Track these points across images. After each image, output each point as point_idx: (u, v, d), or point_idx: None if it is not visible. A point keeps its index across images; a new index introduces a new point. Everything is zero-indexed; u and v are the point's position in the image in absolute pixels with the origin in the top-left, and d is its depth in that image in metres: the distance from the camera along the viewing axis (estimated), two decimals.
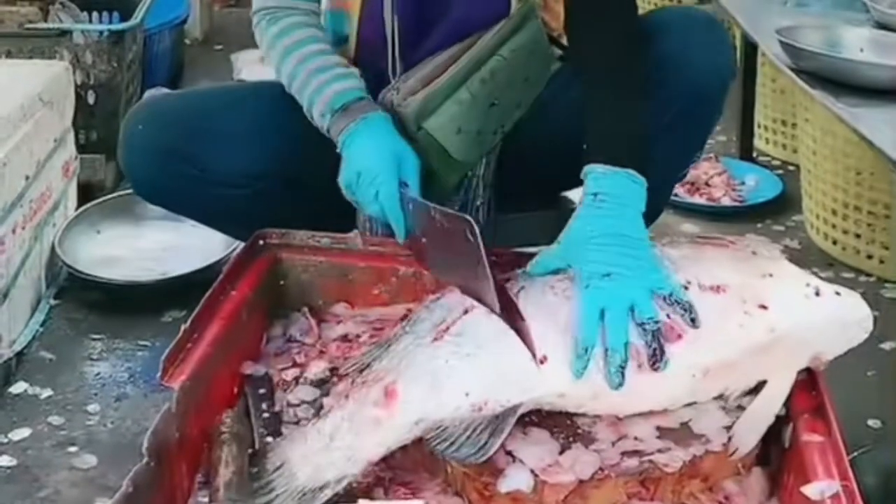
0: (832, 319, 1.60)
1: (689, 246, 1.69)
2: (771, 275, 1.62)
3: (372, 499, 1.48)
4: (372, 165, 1.79)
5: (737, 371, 1.56)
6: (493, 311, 1.52)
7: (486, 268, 1.49)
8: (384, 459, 1.54)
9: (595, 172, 1.71)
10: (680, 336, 1.55)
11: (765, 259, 1.67)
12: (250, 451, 1.59)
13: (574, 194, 2.23)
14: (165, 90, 3.35)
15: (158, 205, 2.16)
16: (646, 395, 1.55)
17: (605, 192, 1.69)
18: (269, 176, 1.97)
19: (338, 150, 1.86)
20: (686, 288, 1.59)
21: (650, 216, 2.06)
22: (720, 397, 1.57)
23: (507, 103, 1.97)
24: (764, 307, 1.57)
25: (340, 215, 1.98)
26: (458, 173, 1.99)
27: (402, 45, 1.97)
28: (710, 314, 1.57)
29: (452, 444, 1.48)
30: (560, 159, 1.87)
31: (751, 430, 1.52)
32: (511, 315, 1.53)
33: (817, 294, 1.60)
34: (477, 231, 1.49)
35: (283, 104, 1.97)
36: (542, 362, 1.52)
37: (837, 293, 1.62)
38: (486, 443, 1.47)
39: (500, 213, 2.09)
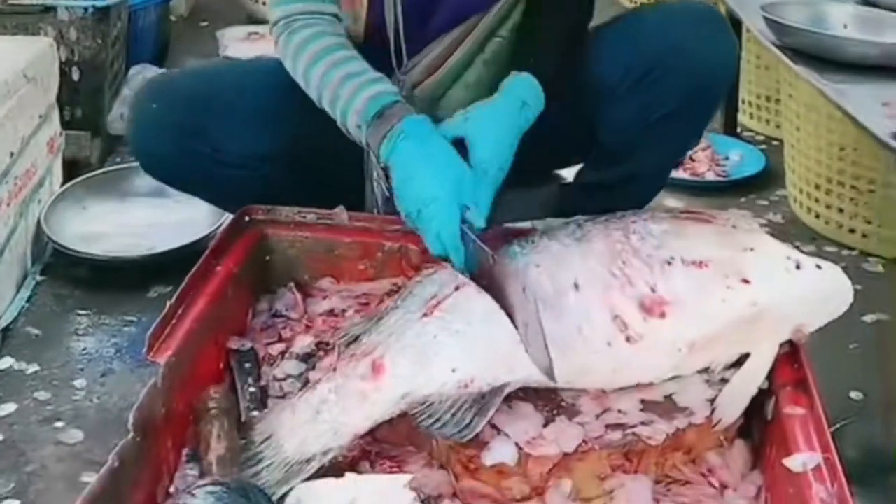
0: (813, 292, 1.61)
1: (671, 221, 1.70)
2: (752, 249, 1.63)
3: (358, 472, 1.49)
4: (433, 196, 1.65)
5: (721, 345, 1.57)
6: (547, 376, 1.50)
7: (539, 324, 1.49)
8: (370, 433, 1.55)
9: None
10: (664, 313, 1.56)
11: (746, 233, 1.68)
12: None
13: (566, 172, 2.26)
14: (151, 67, 3.35)
15: (167, 183, 2.15)
16: (631, 370, 1.56)
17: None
18: (282, 155, 1.97)
19: (381, 164, 1.77)
20: (669, 263, 1.60)
21: (641, 203, 2.08)
22: (705, 370, 1.58)
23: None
24: (746, 281, 1.58)
25: (351, 192, 1.99)
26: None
27: (405, 33, 1.95)
28: (693, 289, 1.58)
29: (438, 420, 1.49)
30: (556, 139, 1.90)
31: (734, 403, 1.53)
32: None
33: (798, 267, 1.61)
34: (529, 290, 1.50)
35: (294, 92, 1.97)
36: None
37: (818, 266, 1.63)
38: (470, 422, 1.47)
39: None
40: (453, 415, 1.48)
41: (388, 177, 1.76)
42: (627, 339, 1.55)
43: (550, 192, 2.24)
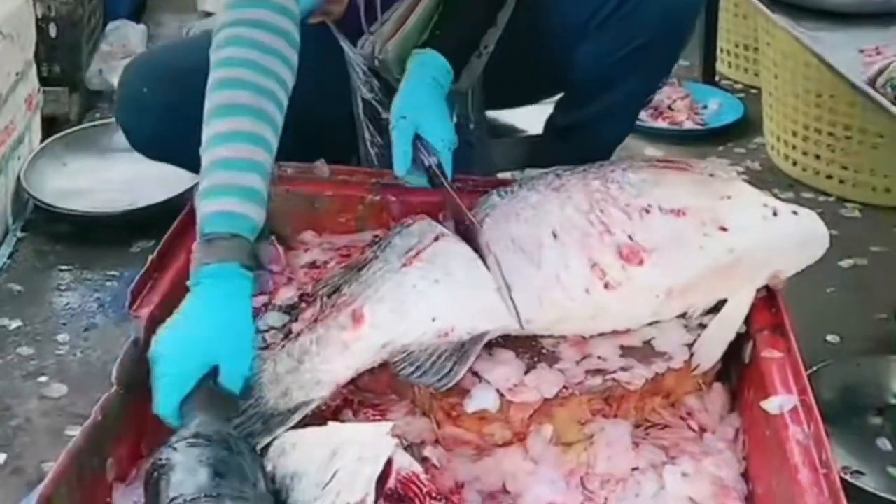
0: (790, 238, 1.62)
1: (649, 169, 1.71)
2: (729, 197, 1.64)
3: (341, 421, 1.50)
4: (170, 355, 1.44)
5: (699, 291, 1.59)
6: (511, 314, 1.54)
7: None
8: (352, 382, 1.55)
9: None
10: (642, 261, 1.57)
11: (722, 181, 1.69)
12: None
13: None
14: (129, 22, 3.33)
15: (161, 160, 2.14)
16: (609, 316, 1.58)
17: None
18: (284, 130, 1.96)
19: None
20: (647, 212, 1.61)
21: (616, 140, 2.09)
22: (682, 316, 1.60)
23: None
24: (724, 229, 1.59)
25: (339, 156, 1.99)
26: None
27: None
28: (672, 237, 1.59)
29: (418, 368, 1.49)
30: (526, 80, 1.96)
31: (711, 348, 1.55)
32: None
33: (775, 214, 1.63)
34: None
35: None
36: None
37: (794, 212, 1.65)
38: (450, 370, 1.48)
39: (491, 136, 2.11)
40: (433, 363, 1.49)
41: (382, 133, 1.78)
42: (606, 286, 1.56)
43: (544, 138, 2.25)
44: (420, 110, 1.79)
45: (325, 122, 1.95)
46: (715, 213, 1.61)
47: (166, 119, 1.94)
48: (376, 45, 1.94)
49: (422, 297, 1.55)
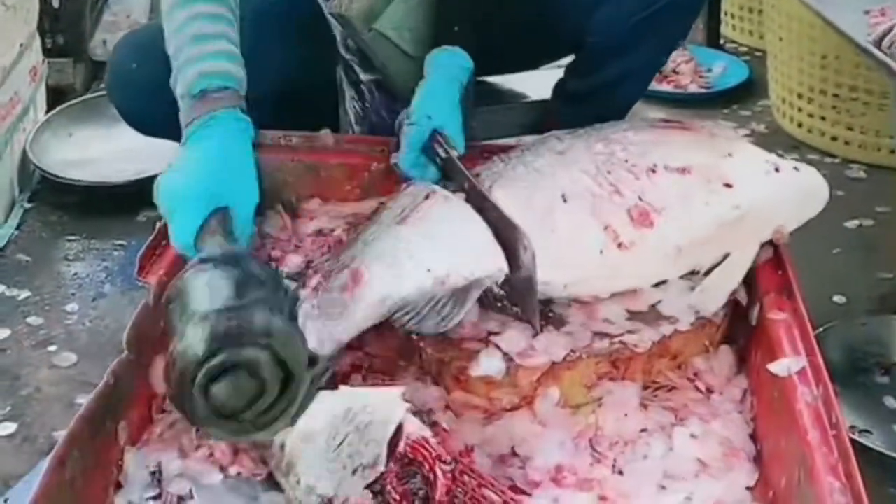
0: (792, 193, 1.64)
1: (650, 130, 1.71)
2: (731, 154, 1.65)
3: (351, 386, 1.51)
4: (184, 197, 1.51)
5: (706, 248, 1.59)
6: (533, 327, 1.53)
7: (535, 283, 1.51)
8: (360, 348, 1.57)
9: None
10: (652, 222, 1.57)
11: (724, 139, 1.70)
12: None
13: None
14: None
15: (155, 136, 2.14)
16: (624, 276, 1.58)
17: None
18: (260, 99, 1.95)
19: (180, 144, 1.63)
20: (654, 171, 1.61)
21: (629, 103, 2.09)
22: (691, 274, 1.60)
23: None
24: (728, 185, 1.60)
25: (326, 119, 1.99)
26: (416, 70, 1.98)
27: None
28: (678, 195, 1.60)
29: (417, 314, 1.50)
30: (527, 37, 1.97)
31: (713, 295, 1.56)
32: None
33: (777, 170, 1.64)
34: (531, 244, 1.50)
35: (269, 26, 1.96)
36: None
37: (796, 168, 1.66)
38: (448, 314, 1.49)
39: (481, 105, 2.10)
40: (431, 308, 1.49)
41: (361, 96, 1.76)
42: (619, 247, 1.56)
43: (535, 106, 2.25)
44: (444, 114, 1.76)
45: (310, 87, 1.94)
46: (719, 171, 1.62)
47: (155, 95, 1.93)
48: (342, 2, 1.91)
49: (416, 250, 1.55)
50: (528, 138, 1.92)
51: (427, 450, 1.29)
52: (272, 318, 1.20)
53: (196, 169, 1.53)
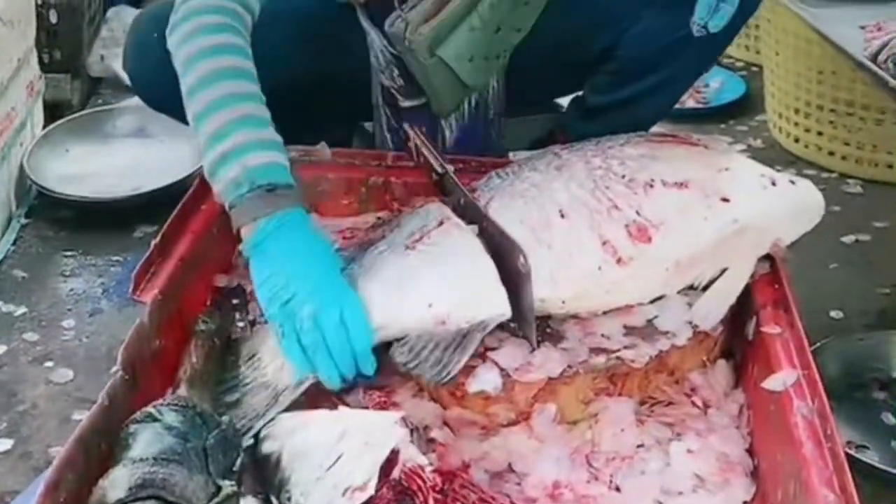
0: (789, 206, 1.64)
1: (647, 144, 1.71)
2: (728, 168, 1.65)
3: (347, 403, 1.51)
4: (295, 292, 1.48)
5: (705, 262, 1.59)
6: (530, 343, 1.53)
7: (532, 300, 1.51)
8: None
9: None
10: (650, 238, 1.57)
11: (719, 153, 1.71)
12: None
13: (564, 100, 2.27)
14: (128, 8, 3.32)
15: (165, 111, 2.13)
16: (623, 291, 1.58)
17: None
18: (277, 88, 1.95)
19: (242, 250, 1.57)
20: (651, 186, 1.61)
21: (645, 124, 2.09)
22: (690, 288, 1.60)
23: (509, 27, 1.97)
24: (726, 200, 1.60)
25: (340, 125, 1.99)
26: (462, 97, 2.02)
27: None
28: (676, 210, 1.59)
29: (416, 357, 1.49)
30: (555, 73, 1.99)
31: (712, 310, 1.56)
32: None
33: (773, 184, 1.64)
34: (528, 260, 1.50)
35: (292, 16, 1.96)
36: None
37: (792, 182, 1.67)
38: (448, 360, 1.47)
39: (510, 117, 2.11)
40: (431, 353, 1.48)
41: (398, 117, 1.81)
42: (618, 262, 1.56)
43: (549, 120, 2.25)
44: None
45: (332, 92, 1.94)
46: (716, 185, 1.62)
47: (171, 68, 1.94)
48: (409, 26, 1.90)
49: (420, 281, 1.55)
50: (524, 153, 1.92)
51: (422, 479, 1.28)
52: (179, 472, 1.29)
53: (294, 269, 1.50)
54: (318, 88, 1.97)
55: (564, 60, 2.02)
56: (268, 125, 1.60)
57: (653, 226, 1.58)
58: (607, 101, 2.10)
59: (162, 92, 1.99)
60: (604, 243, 1.57)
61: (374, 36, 1.98)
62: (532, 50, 2.00)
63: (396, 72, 1.99)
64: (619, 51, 2.02)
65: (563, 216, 1.61)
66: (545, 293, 1.54)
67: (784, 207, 1.64)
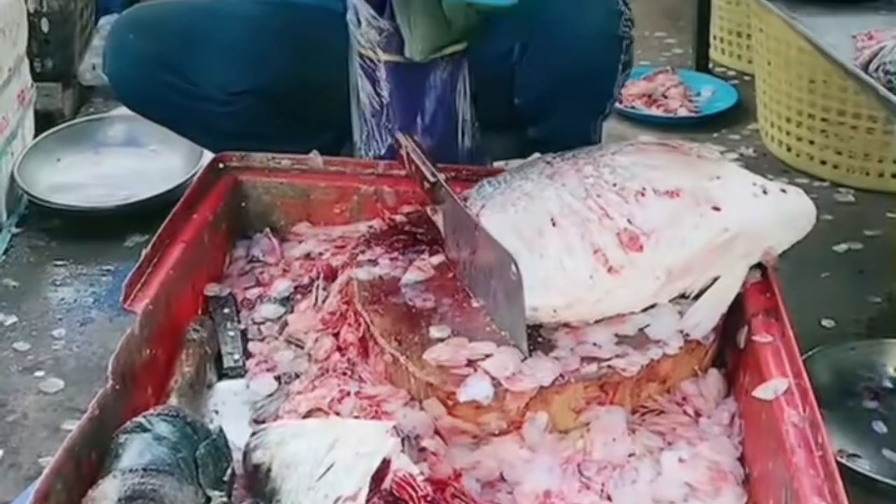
0: (780, 215, 1.64)
1: (638, 152, 1.71)
2: (718, 177, 1.65)
3: (337, 413, 1.50)
4: None
5: (696, 271, 1.59)
6: (522, 352, 1.53)
7: (524, 308, 1.50)
8: (350, 374, 1.57)
9: None
10: (641, 246, 1.57)
11: (710, 161, 1.71)
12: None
13: None
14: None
15: (142, 113, 2.14)
16: (614, 300, 1.57)
17: None
18: (259, 91, 1.95)
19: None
20: (642, 194, 1.61)
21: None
22: (681, 297, 1.60)
23: None
24: (717, 208, 1.60)
25: (327, 130, 1.99)
26: (438, 35, 1.96)
27: None
28: (667, 218, 1.59)
29: None
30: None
31: (703, 318, 1.56)
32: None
33: (765, 192, 1.64)
34: (519, 269, 1.49)
35: (273, 21, 1.96)
36: None
37: (783, 190, 1.67)
38: None
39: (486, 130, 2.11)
40: None
41: (376, 86, 1.84)
42: (609, 271, 1.56)
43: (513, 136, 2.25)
44: None
45: (312, 98, 1.95)
46: (707, 194, 1.62)
47: (148, 69, 1.95)
48: None
49: None
50: (516, 162, 1.92)
51: (413, 488, 1.27)
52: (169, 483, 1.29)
53: None
54: (302, 93, 1.96)
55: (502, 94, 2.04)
56: None
57: (644, 234, 1.58)
58: (532, 136, 2.13)
59: (139, 92, 2.01)
60: (595, 251, 1.57)
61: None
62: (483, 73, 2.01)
63: (377, 33, 1.96)
64: (515, 97, 2.05)
65: (554, 224, 1.61)
66: (537, 302, 1.53)
67: (775, 216, 1.64)
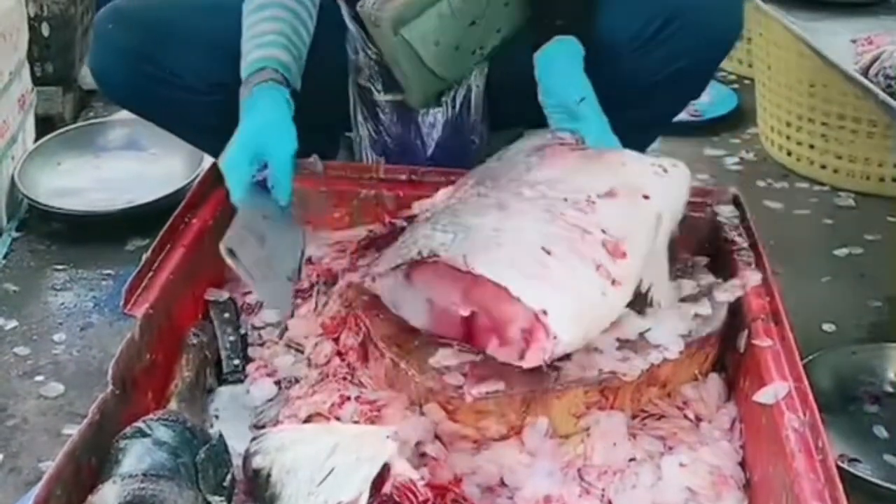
0: (679, 188, 1.69)
1: (549, 163, 1.71)
2: (624, 164, 1.67)
3: (338, 417, 1.50)
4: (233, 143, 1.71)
5: (647, 262, 1.58)
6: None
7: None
8: (350, 378, 1.57)
9: None
10: (624, 252, 1.55)
11: (608, 152, 1.72)
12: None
13: None
14: None
15: (124, 105, 2.14)
16: (617, 311, 1.54)
17: None
18: (235, 87, 1.93)
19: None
20: (592, 202, 1.58)
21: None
22: (637, 294, 1.58)
23: (487, 24, 1.94)
24: (647, 196, 1.62)
25: (316, 131, 1.98)
26: (435, 87, 1.98)
27: None
28: (621, 219, 1.58)
29: None
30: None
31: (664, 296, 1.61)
32: None
33: (665, 171, 1.67)
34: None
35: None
36: None
37: (674, 165, 1.70)
38: None
39: (493, 131, 2.09)
40: None
41: (376, 117, 1.85)
42: (613, 283, 1.53)
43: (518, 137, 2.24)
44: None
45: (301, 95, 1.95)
46: (632, 185, 1.62)
47: (128, 59, 1.95)
48: (376, 2, 1.88)
49: None
50: (428, 201, 1.85)
51: (413, 493, 1.27)
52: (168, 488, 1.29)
53: (238, 135, 1.70)
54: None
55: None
56: (265, 34, 1.82)
57: (619, 239, 1.55)
58: None
59: (121, 83, 2.01)
60: (597, 268, 1.52)
61: (353, 31, 1.97)
62: (515, 73, 1.99)
63: (375, 67, 1.98)
64: (605, 90, 2.00)
65: (549, 253, 1.52)
66: (572, 337, 1.47)
67: (677, 190, 1.68)
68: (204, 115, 1.99)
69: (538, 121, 2.10)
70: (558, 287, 1.49)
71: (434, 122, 2.01)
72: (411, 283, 1.60)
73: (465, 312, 1.55)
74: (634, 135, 2.01)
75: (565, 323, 1.45)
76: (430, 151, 2.03)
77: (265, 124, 1.71)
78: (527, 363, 1.48)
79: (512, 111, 2.02)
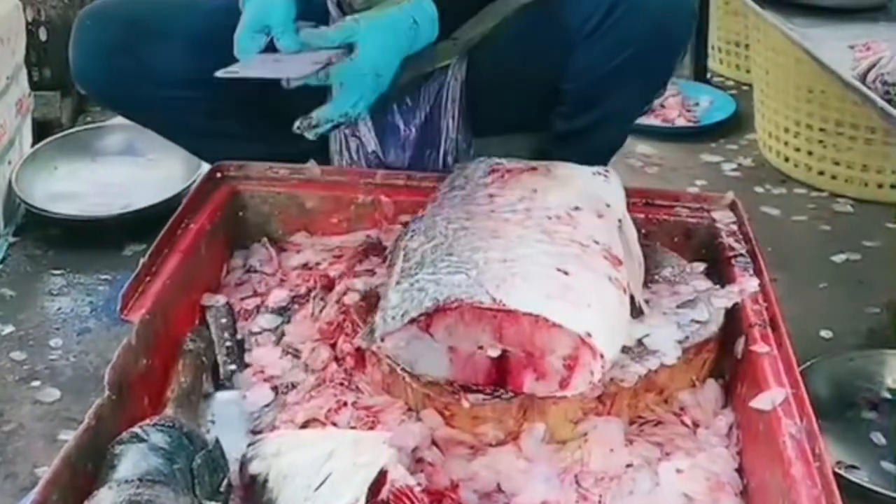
0: (620, 191, 1.72)
1: (513, 185, 1.70)
2: (574, 176, 1.69)
3: (334, 423, 1.50)
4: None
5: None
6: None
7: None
8: (348, 384, 1.57)
9: None
10: (620, 261, 1.54)
11: (553, 167, 1.75)
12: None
13: None
14: None
15: (102, 102, 2.15)
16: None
17: None
18: (214, 84, 1.92)
19: None
20: (572, 217, 1.59)
21: (611, 148, 2.07)
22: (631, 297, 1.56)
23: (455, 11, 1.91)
24: (608, 204, 1.64)
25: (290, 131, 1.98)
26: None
27: None
28: (600, 230, 1.59)
29: None
30: (520, 99, 1.95)
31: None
32: None
33: (606, 177, 1.72)
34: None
35: (237, 13, 1.95)
36: None
37: (606, 170, 1.75)
38: None
39: (477, 136, 2.08)
40: None
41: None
42: (624, 292, 1.53)
43: (536, 137, 2.24)
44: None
45: (277, 95, 1.95)
46: (591, 194, 1.64)
47: (106, 54, 1.95)
48: None
49: None
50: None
51: (411, 499, 1.27)
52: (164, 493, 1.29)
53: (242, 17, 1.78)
54: (266, 90, 1.95)
55: (522, 88, 2.01)
56: None
57: (609, 248, 1.56)
58: (568, 127, 2.05)
59: (99, 78, 2.01)
60: (609, 279, 1.50)
61: (335, 16, 1.95)
62: (492, 74, 1.99)
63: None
64: (564, 83, 2.00)
65: (567, 273, 1.48)
66: (616, 353, 1.46)
67: (621, 193, 1.71)
68: (181, 112, 1.98)
69: (521, 124, 2.12)
70: (590, 305, 1.45)
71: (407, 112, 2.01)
72: (430, 334, 1.49)
73: (495, 353, 1.48)
74: (603, 133, 2.02)
75: (608, 340, 1.43)
76: (404, 151, 2.04)
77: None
78: (572, 390, 1.44)
79: (495, 114, 2.02)
